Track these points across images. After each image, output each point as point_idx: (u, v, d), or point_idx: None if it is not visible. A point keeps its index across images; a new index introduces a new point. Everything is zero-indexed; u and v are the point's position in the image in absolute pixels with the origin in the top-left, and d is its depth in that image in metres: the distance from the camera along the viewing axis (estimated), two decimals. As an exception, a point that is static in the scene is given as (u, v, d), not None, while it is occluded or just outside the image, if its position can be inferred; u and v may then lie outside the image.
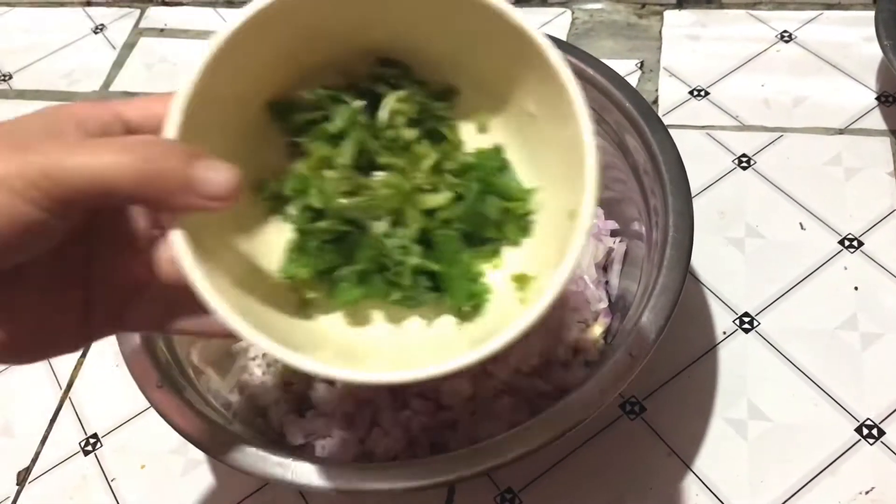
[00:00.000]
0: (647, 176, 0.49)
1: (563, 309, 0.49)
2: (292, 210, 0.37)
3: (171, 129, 0.30)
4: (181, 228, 0.30)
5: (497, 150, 0.38)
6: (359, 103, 0.37)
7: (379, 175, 0.37)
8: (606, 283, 0.53)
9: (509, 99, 0.37)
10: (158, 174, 0.28)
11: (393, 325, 0.37)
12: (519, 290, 0.36)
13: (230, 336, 0.31)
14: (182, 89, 0.31)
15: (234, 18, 0.31)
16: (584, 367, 0.49)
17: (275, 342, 0.30)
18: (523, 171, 0.38)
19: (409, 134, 0.37)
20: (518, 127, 0.38)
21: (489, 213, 0.37)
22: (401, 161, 0.37)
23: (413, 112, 0.37)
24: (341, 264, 0.36)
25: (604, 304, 0.51)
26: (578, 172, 0.32)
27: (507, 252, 0.38)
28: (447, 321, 0.37)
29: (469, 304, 0.36)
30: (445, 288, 0.36)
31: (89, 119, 0.30)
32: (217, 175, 0.29)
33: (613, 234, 0.54)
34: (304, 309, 0.37)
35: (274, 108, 0.37)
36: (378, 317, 0.37)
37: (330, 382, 0.49)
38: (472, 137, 0.39)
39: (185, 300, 0.31)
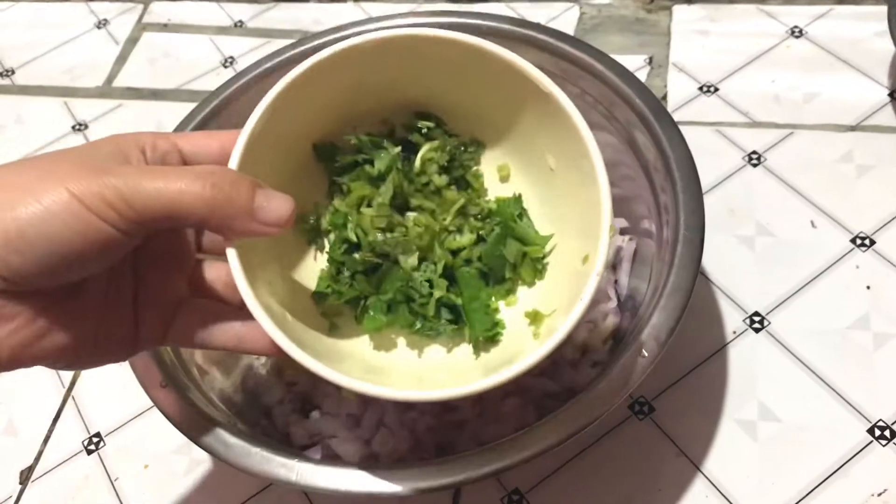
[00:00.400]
0: (658, 173, 0.48)
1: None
2: (327, 242, 0.42)
3: (233, 162, 0.34)
4: (236, 250, 0.33)
5: (517, 199, 0.43)
6: (397, 149, 0.42)
7: (411, 215, 0.42)
8: (615, 281, 0.52)
9: (531, 153, 0.41)
10: (227, 201, 0.31)
11: (414, 350, 0.41)
12: (532, 325, 0.39)
13: (263, 351, 0.36)
14: (246, 128, 0.35)
15: (295, 69, 0.36)
16: (592, 367, 0.48)
17: (309, 355, 0.33)
18: (541, 219, 0.42)
19: (440, 180, 0.42)
20: (537, 179, 0.42)
21: (507, 255, 0.41)
22: (431, 203, 0.42)
23: (444, 160, 0.42)
24: (370, 293, 0.40)
25: (613, 304, 0.50)
26: (594, 226, 0.36)
27: (522, 290, 0.42)
28: (464, 350, 0.41)
29: (486, 335, 0.39)
30: (465, 320, 0.40)
31: (151, 146, 0.34)
32: (277, 204, 0.32)
33: (622, 232, 0.53)
34: (332, 331, 0.41)
35: (319, 150, 0.41)
36: (401, 343, 0.41)
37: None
38: (495, 186, 0.44)
39: (224, 316, 0.36)
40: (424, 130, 0.42)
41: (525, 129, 0.41)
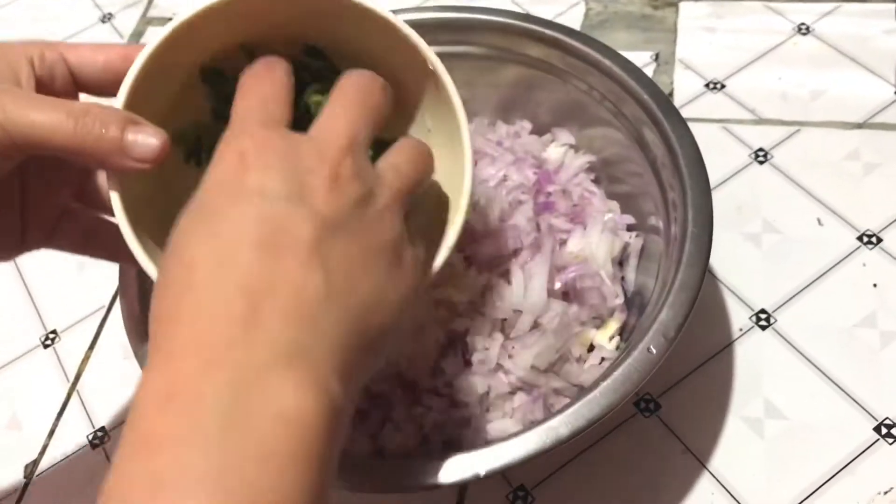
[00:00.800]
0: (665, 170, 0.48)
1: (579, 305, 0.48)
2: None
3: (122, 92, 0.35)
4: (114, 178, 0.35)
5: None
6: None
7: None
8: (622, 278, 0.52)
9: (415, 111, 0.42)
10: (96, 140, 0.32)
11: None
12: None
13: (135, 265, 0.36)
14: (137, 62, 0.35)
15: (190, 10, 0.36)
16: (599, 363, 0.48)
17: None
18: None
19: None
20: (416, 135, 0.42)
21: None
22: None
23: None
24: None
25: (620, 300, 0.50)
26: (455, 198, 0.38)
27: None
28: None
29: None
30: None
31: (40, 57, 0.35)
32: (147, 140, 0.33)
33: (630, 228, 0.53)
34: None
35: (206, 74, 0.41)
36: None
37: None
38: None
39: (105, 230, 0.40)
40: (315, 70, 0.41)
41: (408, 85, 0.41)
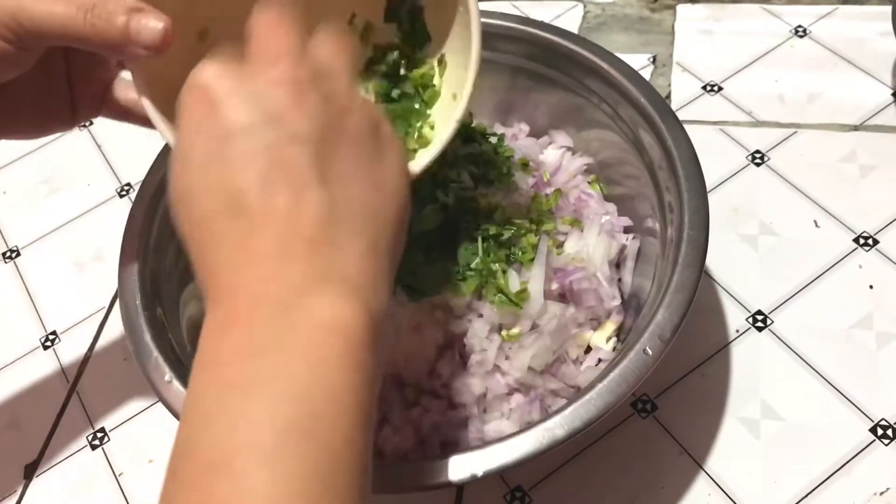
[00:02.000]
0: (662, 172, 0.48)
1: (576, 307, 0.48)
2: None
3: None
4: (137, 65, 0.37)
5: None
6: None
7: None
8: (619, 280, 0.52)
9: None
10: (103, 31, 0.35)
11: None
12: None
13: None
14: None
15: None
16: (596, 364, 0.48)
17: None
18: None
19: None
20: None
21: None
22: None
23: None
24: None
25: (616, 302, 0.50)
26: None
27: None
28: None
29: None
30: None
31: None
32: (151, 25, 0.35)
33: (626, 230, 0.53)
34: None
35: None
36: None
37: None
38: None
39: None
40: None
41: None
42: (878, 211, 0.59)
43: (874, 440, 0.49)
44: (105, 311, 0.63)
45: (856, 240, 0.58)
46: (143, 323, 0.46)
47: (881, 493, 0.48)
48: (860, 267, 0.57)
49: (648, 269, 0.50)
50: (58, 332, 0.63)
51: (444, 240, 0.46)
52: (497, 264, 0.46)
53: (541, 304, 0.45)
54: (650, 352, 0.40)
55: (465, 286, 0.45)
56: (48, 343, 0.63)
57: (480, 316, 0.46)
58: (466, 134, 0.52)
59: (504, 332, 0.45)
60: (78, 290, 0.65)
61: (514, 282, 0.45)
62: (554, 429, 0.39)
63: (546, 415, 0.44)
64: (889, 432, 0.50)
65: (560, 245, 0.50)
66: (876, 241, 0.57)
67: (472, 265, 0.45)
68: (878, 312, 0.54)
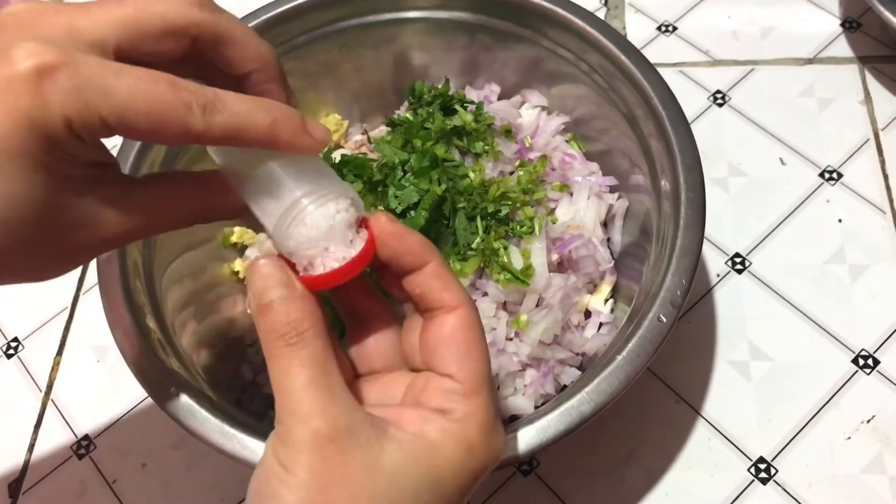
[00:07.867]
0: (643, 120, 0.47)
1: (575, 273, 0.48)
2: None
3: None
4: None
5: None
6: None
7: None
8: (608, 240, 0.52)
9: None
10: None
11: None
12: None
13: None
14: None
15: None
16: (598, 329, 0.48)
17: None
18: None
19: None
20: None
21: None
22: None
23: None
24: None
25: (610, 263, 0.50)
26: None
27: None
28: None
29: None
30: None
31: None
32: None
33: (612, 189, 0.53)
34: None
35: None
36: None
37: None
38: None
39: None
40: None
41: None
42: (839, 144, 0.60)
43: (857, 371, 0.52)
44: (69, 311, 0.60)
45: (821, 174, 0.59)
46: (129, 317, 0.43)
47: (868, 421, 0.50)
48: (828, 202, 0.58)
49: (636, 224, 0.50)
50: (20, 339, 0.60)
51: (437, 220, 0.45)
52: (498, 242, 0.45)
53: (546, 277, 0.44)
54: (664, 319, 0.40)
55: (466, 266, 0.44)
56: (11, 351, 0.59)
57: (485, 294, 0.45)
58: (447, 105, 0.50)
59: (513, 320, 0.45)
60: (36, 291, 0.61)
61: (516, 258, 0.45)
62: (580, 406, 0.39)
63: (558, 386, 0.45)
64: (870, 361, 0.52)
65: (551, 212, 0.49)
66: (840, 175, 0.59)
67: (474, 245, 0.45)
68: (849, 246, 0.56)
